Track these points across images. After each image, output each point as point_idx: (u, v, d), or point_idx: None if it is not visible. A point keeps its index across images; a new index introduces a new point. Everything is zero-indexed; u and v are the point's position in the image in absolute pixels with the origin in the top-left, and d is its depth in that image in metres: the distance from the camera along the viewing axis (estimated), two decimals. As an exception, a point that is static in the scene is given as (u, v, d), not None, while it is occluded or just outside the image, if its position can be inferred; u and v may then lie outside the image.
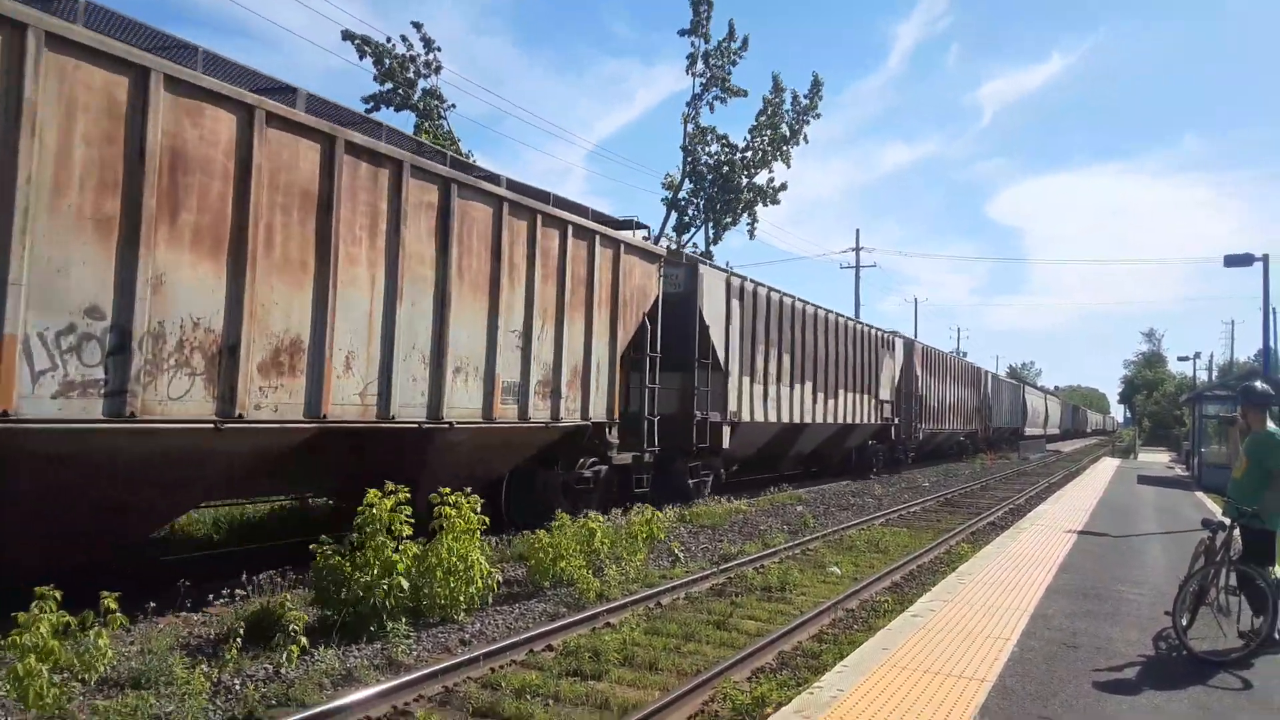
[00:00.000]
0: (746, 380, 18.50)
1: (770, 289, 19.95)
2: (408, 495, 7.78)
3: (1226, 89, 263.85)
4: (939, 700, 5.53)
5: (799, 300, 21.65)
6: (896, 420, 29.78)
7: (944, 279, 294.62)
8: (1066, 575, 10.14)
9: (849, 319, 25.66)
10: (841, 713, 5.24)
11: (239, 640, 6.50)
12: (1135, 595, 9.18)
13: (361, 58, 27.85)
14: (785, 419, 20.57)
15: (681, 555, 11.77)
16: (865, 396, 26.23)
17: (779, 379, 20.19)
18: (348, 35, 27.64)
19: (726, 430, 17.52)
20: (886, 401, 28.52)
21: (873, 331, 27.40)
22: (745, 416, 18.42)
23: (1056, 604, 8.56)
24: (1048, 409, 75.56)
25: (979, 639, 7.08)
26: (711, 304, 17.02)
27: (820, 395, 22.66)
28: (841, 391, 24.17)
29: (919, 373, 31.98)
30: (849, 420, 24.94)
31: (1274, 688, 6.13)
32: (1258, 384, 7.52)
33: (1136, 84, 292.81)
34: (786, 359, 20.61)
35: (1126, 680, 6.18)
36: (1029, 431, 60.44)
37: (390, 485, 7.77)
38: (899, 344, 30.63)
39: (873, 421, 27.22)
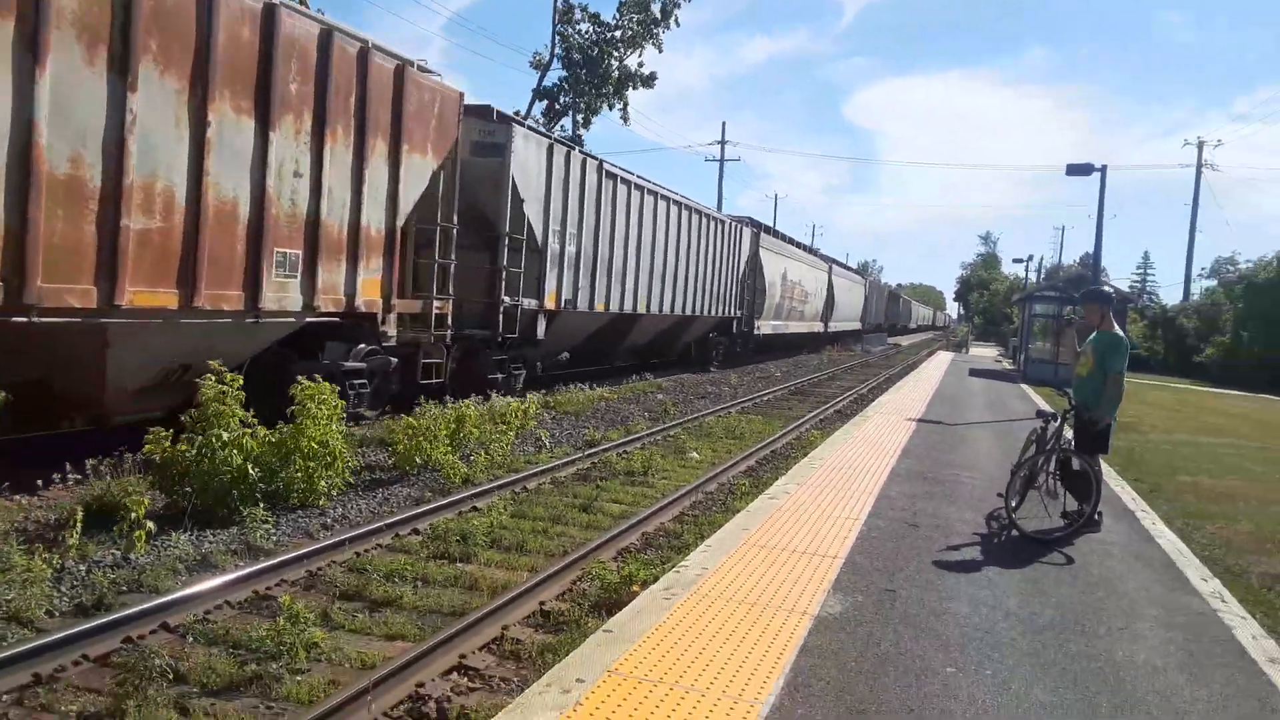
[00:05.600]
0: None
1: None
2: (240, 381, 7.50)
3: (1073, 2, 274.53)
4: (795, 576, 5.86)
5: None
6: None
7: (800, 176, 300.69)
8: (908, 460, 10.83)
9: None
10: (706, 589, 5.46)
11: (79, 525, 6.12)
12: (969, 478, 9.92)
13: None
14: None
15: (547, 441, 11.85)
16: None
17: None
18: None
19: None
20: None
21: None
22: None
23: (899, 486, 9.15)
24: (833, 292, 44.61)
25: (830, 519, 7.50)
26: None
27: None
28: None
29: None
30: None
31: (1093, 562, 6.81)
32: (1105, 286, 8.01)
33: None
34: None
35: (963, 557, 6.71)
36: (764, 329, 31.30)
37: (217, 365, 7.50)
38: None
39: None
